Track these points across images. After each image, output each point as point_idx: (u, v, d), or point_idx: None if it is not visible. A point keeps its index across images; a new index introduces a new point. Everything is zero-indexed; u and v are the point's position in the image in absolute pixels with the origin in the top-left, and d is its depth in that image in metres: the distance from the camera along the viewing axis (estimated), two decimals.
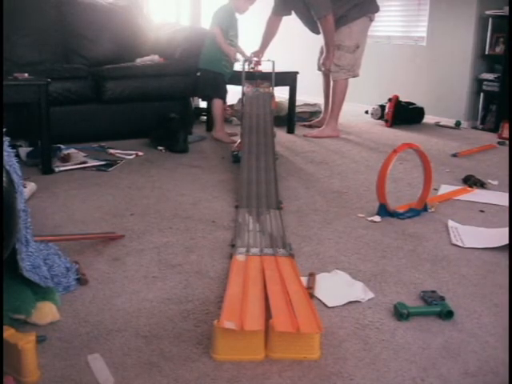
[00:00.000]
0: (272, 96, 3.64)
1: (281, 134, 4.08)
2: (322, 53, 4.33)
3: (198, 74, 3.99)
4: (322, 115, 4.64)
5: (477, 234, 2.27)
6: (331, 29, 4.00)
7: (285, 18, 6.33)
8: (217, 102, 3.95)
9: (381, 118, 4.90)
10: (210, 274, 1.85)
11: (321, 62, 4.23)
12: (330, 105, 4.35)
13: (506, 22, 4.43)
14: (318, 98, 5.21)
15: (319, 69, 4.46)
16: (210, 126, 4.30)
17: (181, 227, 2.27)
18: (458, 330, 1.55)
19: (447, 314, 1.60)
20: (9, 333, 1.28)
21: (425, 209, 2.53)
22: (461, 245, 2.16)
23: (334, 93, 4.27)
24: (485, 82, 4.81)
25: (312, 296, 1.68)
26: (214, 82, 3.90)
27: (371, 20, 4.19)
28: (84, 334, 1.48)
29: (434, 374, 1.35)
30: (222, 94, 3.98)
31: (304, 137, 4.21)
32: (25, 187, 2.32)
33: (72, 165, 3.14)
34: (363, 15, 4.11)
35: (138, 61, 4.01)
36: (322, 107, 5.01)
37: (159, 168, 3.19)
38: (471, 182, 3.02)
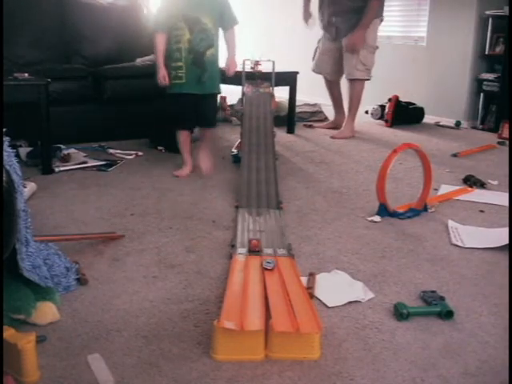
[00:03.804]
0: (272, 96, 3.64)
1: (281, 134, 4.08)
2: (322, 53, 4.31)
3: None
4: (335, 116, 4.60)
5: (477, 234, 2.27)
6: (377, 9, 4.05)
7: (284, 18, 6.35)
8: (178, 136, 3.01)
9: (381, 118, 4.89)
10: (210, 274, 1.85)
11: (349, 42, 4.09)
12: (349, 106, 4.32)
13: (506, 22, 4.42)
14: (317, 98, 5.22)
15: (319, 71, 4.42)
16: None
17: (181, 227, 2.27)
18: (458, 330, 1.55)
19: (447, 314, 1.60)
20: (9, 333, 1.28)
21: (425, 209, 2.53)
22: (461, 245, 2.16)
23: (353, 94, 4.26)
24: (485, 82, 4.81)
25: (312, 296, 1.68)
26: (170, 109, 3.00)
27: (381, 21, 4.23)
28: (84, 334, 1.48)
29: (434, 374, 1.35)
30: (181, 123, 2.97)
31: (331, 139, 4.19)
32: (25, 187, 2.32)
33: (72, 165, 3.14)
34: (380, 15, 4.15)
35: (138, 61, 4.01)
36: (322, 107, 5.02)
37: (159, 168, 3.19)
38: (471, 181, 3.02)
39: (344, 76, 4.32)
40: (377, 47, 4.19)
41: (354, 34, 4.09)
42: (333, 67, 4.34)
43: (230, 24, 2.94)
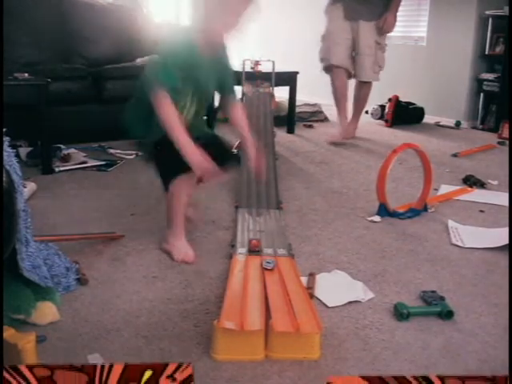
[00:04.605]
0: (272, 96, 3.64)
1: (281, 134, 4.08)
2: (340, 44, 3.96)
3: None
4: (344, 122, 4.17)
5: (477, 234, 2.27)
6: None
7: (284, 19, 6.34)
8: (175, 188, 1.96)
9: (381, 118, 4.90)
10: (210, 274, 1.85)
11: (385, 24, 3.91)
12: (355, 107, 4.18)
13: (506, 22, 4.43)
14: (317, 98, 5.22)
15: (340, 63, 3.98)
16: (210, 125, 4.28)
17: None
18: (458, 330, 1.55)
19: (447, 314, 1.60)
20: (9, 333, 1.28)
21: (425, 209, 2.53)
22: (461, 245, 2.16)
23: (363, 95, 4.15)
24: (485, 82, 4.82)
25: (312, 296, 1.68)
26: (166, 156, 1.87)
27: None
28: (84, 334, 1.48)
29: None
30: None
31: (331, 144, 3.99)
32: (25, 187, 2.32)
33: (72, 165, 3.14)
34: None
35: (138, 61, 4.01)
36: (322, 107, 5.02)
37: None
38: (471, 181, 3.02)
39: (357, 77, 4.08)
40: (386, 45, 4.09)
41: (387, 16, 3.92)
42: (351, 59, 4.03)
43: (236, 95, 2.12)
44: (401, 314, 1.59)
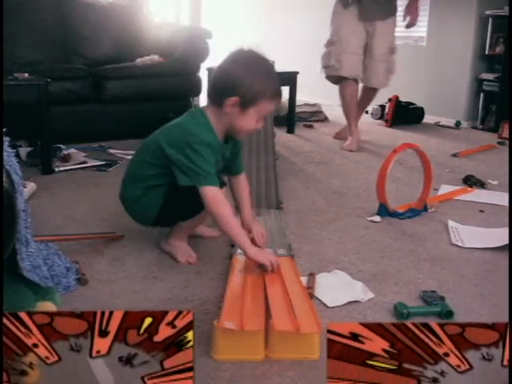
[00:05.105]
0: None
1: (281, 134, 4.08)
2: (354, 53, 3.79)
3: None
4: (354, 128, 3.96)
5: (477, 234, 2.27)
6: None
7: (284, 19, 6.34)
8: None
9: (381, 118, 4.90)
10: (210, 274, 1.85)
11: (408, 21, 3.86)
12: (359, 111, 4.10)
13: (506, 22, 4.43)
14: (317, 98, 5.22)
15: (354, 74, 3.84)
16: None
17: None
18: None
19: (447, 314, 1.60)
20: None
21: (425, 209, 2.53)
22: (461, 245, 2.16)
23: (369, 101, 4.13)
24: (485, 82, 4.82)
25: (312, 296, 1.68)
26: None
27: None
28: None
29: None
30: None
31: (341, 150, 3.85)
32: (25, 187, 2.32)
33: (72, 165, 3.14)
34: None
35: (138, 61, 4.01)
36: (322, 107, 5.02)
37: None
38: (471, 181, 3.02)
39: (369, 84, 3.99)
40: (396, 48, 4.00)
41: (410, 9, 3.86)
42: (362, 66, 3.88)
43: (244, 167, 2.15)
44: (401, 313, 1.59)
